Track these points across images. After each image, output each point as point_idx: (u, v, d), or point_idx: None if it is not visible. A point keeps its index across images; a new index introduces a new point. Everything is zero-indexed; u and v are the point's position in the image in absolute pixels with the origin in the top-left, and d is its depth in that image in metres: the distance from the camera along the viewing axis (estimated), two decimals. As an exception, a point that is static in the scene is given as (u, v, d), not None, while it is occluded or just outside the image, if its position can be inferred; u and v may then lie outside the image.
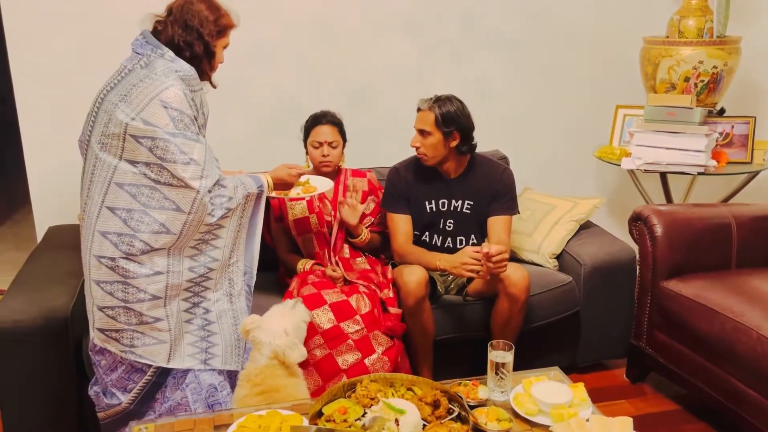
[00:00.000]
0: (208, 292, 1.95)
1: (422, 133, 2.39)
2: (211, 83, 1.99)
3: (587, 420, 1.68)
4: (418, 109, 2.42)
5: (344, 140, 2.51)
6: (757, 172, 2.91)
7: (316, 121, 2.47)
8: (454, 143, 2.39)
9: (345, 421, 1.65)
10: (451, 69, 3.14)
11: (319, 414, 1.69)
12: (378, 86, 3.06)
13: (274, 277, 2.59)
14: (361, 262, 2.52)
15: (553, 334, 2.60)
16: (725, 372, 2.19)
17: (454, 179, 2.48)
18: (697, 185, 3.30)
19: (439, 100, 2.38)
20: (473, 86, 3.15)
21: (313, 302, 2.18)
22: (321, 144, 2.44)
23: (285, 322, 1.89)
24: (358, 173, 2.62)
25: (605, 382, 2.67)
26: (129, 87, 1.79)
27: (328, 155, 2.44)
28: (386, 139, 3.03)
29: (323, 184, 2.25)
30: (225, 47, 1.96)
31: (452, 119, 2.36)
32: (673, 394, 2.55)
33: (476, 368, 2.48)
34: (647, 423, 2.38)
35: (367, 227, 2.54)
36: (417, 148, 2.42)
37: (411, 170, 2.50)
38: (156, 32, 1.87)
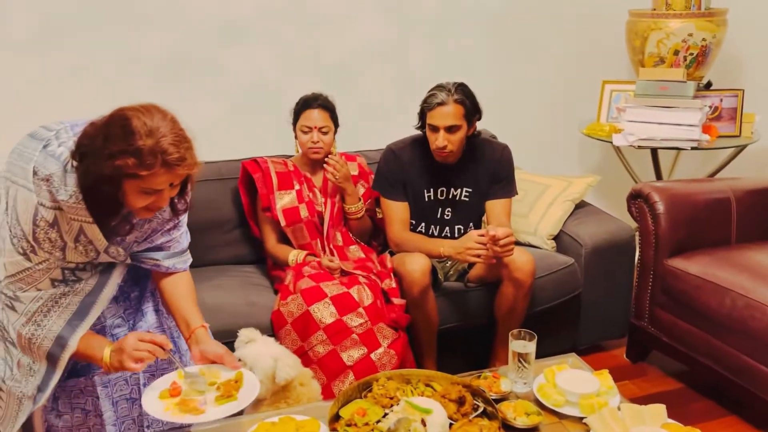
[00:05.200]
0: None
1: (451, 129, 2.20)
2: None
3: (618, 408, 1.60)
4: (438, 104, 2.19)
5: (336, 125, 2.35)
6: (745, 145, 2.89)
7: (306, 104, 2.31)
8: (470, 131, 2.27)
9: (366, 424, 1.53)
10: (432, 46, 3.02)
11: (337, 417, 1.57)
12: (356, 65, 2.91)
13: (263, 269, 2.44)
14: (355, 251, 2.39)
15: (554, 318, 2.53)
16: (734, 348, 2.16)
17: (454, 165, 2.34)
18: (681, 161, 3.28)
19: (460, 89, 2.22)
20: (455, 64, 3.04)
21: (312, 296, 2.04)
22: (311, 129, 2.29)
23: (268, 350, 1.75)
24: (348, 158, 2.48)
25: (606, 363, 2.61)
26: None
27: (318, 142, 2.29)
28: (366, 121, 2.89)
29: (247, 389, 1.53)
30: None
31: (476, 107, 2.24)
32: (675, 373, 2.52)
33: (478, 357, 2.41)
34: (653, 403, 2.34)
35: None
36: (443, 149, 2.23)
37: (408, 153, 2.36)
38: None
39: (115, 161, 1.32)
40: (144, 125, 1.33)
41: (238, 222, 2.51)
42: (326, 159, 2.28)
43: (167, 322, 1.72)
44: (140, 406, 1.58)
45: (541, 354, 1.83)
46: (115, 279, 1.60)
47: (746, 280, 2.12)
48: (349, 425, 1.52)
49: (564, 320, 2.57)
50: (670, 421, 1.57)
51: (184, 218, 1.68)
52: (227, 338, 1.78)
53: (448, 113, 2.19)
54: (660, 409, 1.60)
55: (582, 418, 1.59)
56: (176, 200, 1.56)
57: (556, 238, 2.65)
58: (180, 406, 1.47)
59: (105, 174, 1.33)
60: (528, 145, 3.22)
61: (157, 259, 1.64)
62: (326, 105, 2.34)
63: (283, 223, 2.29)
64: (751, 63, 3.17)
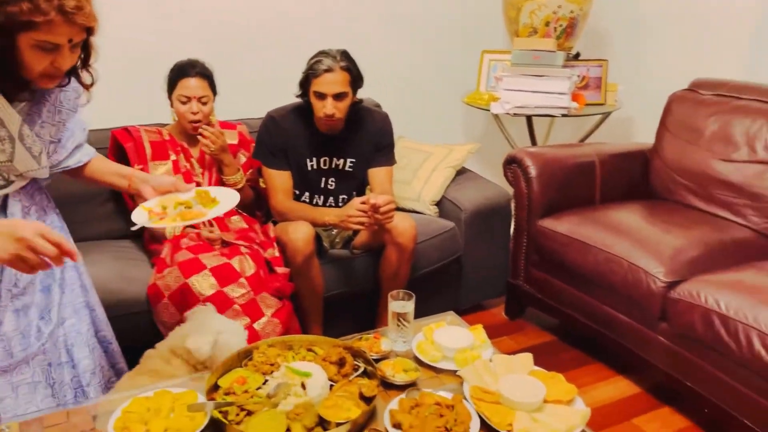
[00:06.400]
0: None
1: (339, 96, 2.18)
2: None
3: (491, 360, 1.69)
4: (325, 71, 2.16)
5: (215, 94, 2.28)
6: (609, 113, 3.10)
7: (182, 72, 2.21)
8: (353, 100, 2.26)
9: (246, 392, 1.52)
10: (313, 14, 2.98)
11: (216, 387, 1.54)
12: (238, 30, 2.82)
13: (140, 244, 2.34)
14: (237, 221, 2.35)
15: (437, 280, 2.62)
16: (598, 300, 2.33)
17: (338, 135, 2.33)
18: (555, 127, 3.46)
19: (345, 56, 2.20)
20: (341, 34, 3.02)
21: (190, 268, 1.99)
22: (189, 99, 2.20)
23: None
24: (227, 125, 2.41)
25: (486, 321, 2.75)
26: None
27: (198, 113, 2.21)
28: (248, 87, 2.82)
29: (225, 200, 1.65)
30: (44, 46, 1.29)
31: (360, 74, 2.23)
32: (549, 327, 2.70)
33: (366, 322, 2.45)
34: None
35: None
36: (331, 116, 2.20)
37: (290, 121, 2.32)
38: None
39: (7, 7, 1.22)
40: None
41: (111, 194, 2.38)
42: (200, 130, 2.20)
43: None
44: None
45: (425, 315, 1.91)
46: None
47: (607, 237, 2.29)
48: (227, 394, 1.51)
49: (446, 282, 2.67)
50: (537, 368, 1.67)
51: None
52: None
53: (336, 80, 2.18)
54: (528, 358, 1.70)
55: (457, 371, 1.66)
56: (80, 69, 1.46)
57: (438, 203, 2.74)
58: (182, 216, 1.55)
59: None
60: (412, 114, 3.28)
61: (67, 165, 1.60)
62: (204, 72, 2.26)
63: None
64: (615, 35, 3.38)
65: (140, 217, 1.57)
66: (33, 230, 1.27)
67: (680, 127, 2.63)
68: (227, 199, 1.62)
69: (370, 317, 2.45)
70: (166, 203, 1.60)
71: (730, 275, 2.01)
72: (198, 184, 2.27)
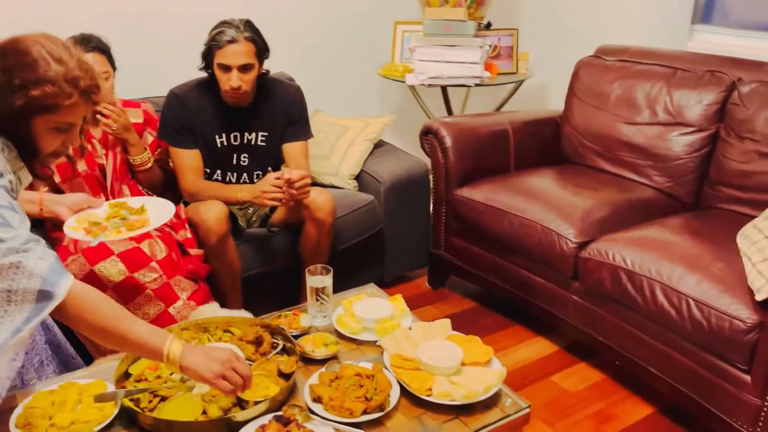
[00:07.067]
0: None
1: (245, 68, 2.10)
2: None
3: (410, 329, 1.70)
4: (228, 42, 2.06)
5: (114, 69, 2.16)
6: (522, 81, 3.15)
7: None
8: (260, 71, 2.19)
9: (159, 377, 1.47)
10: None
11: (127, 375, 1.49)
12: (141, 2, 2.68)
13: (41, 232, 2.19)
14: (147, 204, 2.25)
15: (359, 254, 2.61)
16: (515, 264, 2.39)
17: (247, 108, 2.25)
18: (471, 97, 3.50)
19: (249, 26, 2.12)
20: (252, 7, 2.91)
21: (96, 255, 1.89)
22: None
23: None
24: (130, 104, 2.29)
25: (410, 292, 2.78)
26: None
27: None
28: (152, 63, 2.68)
29: (161, 211, 1.81)
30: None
31: (266, 44, 2.15)
32: (471, 293, 2.75)
33: (289, 299, 2.42)
34: (452, 322, 2.52)
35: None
36: (237, 89, 2.12)
37: (195, 97, 2.23)
38: None
39: (29, 91, 1.18)
40: (50, 51, 1.22)
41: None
42: (99, 108, 2.08)
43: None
44: None
45: (349, 289, 1.93)
46: None
47: (521, 203, 2.34)
48: (139, 381, 1.45)
49: (369, 255, 2.67)
50: (454, 332, 1.71)
51: None
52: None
53: (241, 51, 2.10)
54: (445, 323, 1.73)
55: (377, 341, 1.67)
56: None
57: (357, 177, 2.72)
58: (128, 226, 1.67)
59: (15, 109, 1.18)
60: (327, 88, 3.23)
61: None
62: (101, 47, 2.13)
63: (57, 179, 2.07)
64: (525, 4, 3.43)
65: (79, 234, 1.63)
66: (230, 353, 1.31)
67: (587, 92, 2.71)
68: (152, 206, 1.80)
69: (295, 294, 2.42)
70: (88, 219, 1.70)
71: (635, 233, 2.10)
72: (102, 166, 2.15)
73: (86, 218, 1.71)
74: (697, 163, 2.38)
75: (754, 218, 1.96)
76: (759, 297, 1.65)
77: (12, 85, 1.19)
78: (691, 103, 2.39)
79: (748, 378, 1.71)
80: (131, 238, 1.98)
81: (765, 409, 1.68)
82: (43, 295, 1.18)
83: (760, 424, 1.69)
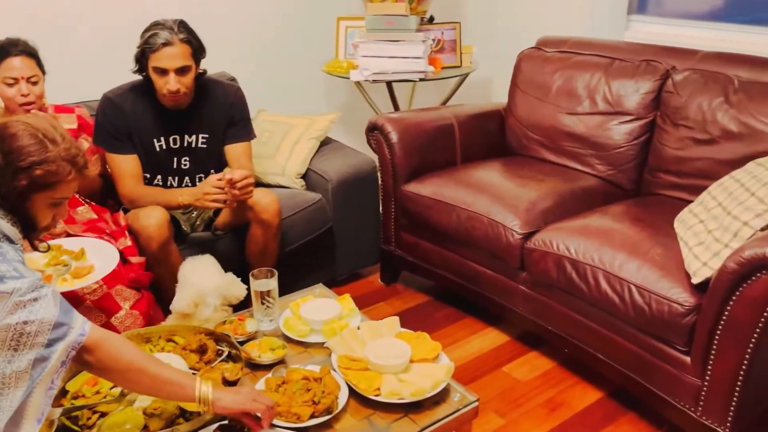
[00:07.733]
0: None
1: (182, 70, 2.05)
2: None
3: (358, 328, 1.69)
4: (163, 45, 2.00)
5: (43, 73, 2.08)
6: (466, 74, 3.17)
7: (4, 51, 2.00)
8: (196, 72, 2.14)
9: (98, 392, 1.42)
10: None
11: (64, 393, 1.43)
12: (71, 2, 2.58)
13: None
14: (84, 212, 2.17)
15: (310, 254, 2.59)
16: (464, 257, 2.41)
17: (185, 111, 2.19)
18: (418, 92, 3.50)
19: (183, 26, 2.06)
20: (192, 8, 2.85)
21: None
22: (16, 80, 2.00)
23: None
24: (63, 109, 2.21)
25: (363, 289, 2.77)
26: None
27: (29, 94, 2.01)
28: (85, 67, 2.60)
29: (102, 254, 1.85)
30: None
31: (201, 44, 2.10)
32: (424, 288, 2.76)
33: (239, 304, 2.37)
34: (405, 318, 2.50)
35: None
36: (176, 92, 2.06)
37: (130, 101, 2.16)
38: None
39: (33, 172, 1.25)
40: (45, 133, 1.29)
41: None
42: (31, 114, 2.00)
43: None
44: None
45: (301, 290, 1.92)
46: None
47: (468, 196, 2.36)
48: (76, 398, 1.40)
49: (320, 255, 2.65)
50: (403, 330, 1.70)
51: None
52: None
53: (176, 54, 2.04)
54: (394, 321, 1.72)
55: (324, 343, 1.65)
56: None
57: (304, 176, 2.69)
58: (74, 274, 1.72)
59: (19, 190, 1.26)
60: (271, 86, 3.19)
61: None
62: (29, 51, 2.06)
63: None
64: (466, -2, 3.45)
65: None
66: (256, 393, 1.37)
67: (529, 84, 2.74)
68: (90, 248, 1.84)
69: (244, 299, 2.38)
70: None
71: (578, 221, 2.13)
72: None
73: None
74: (636, 150, 2.44)
75: (690, 203, 2.02)
76: (695, 280, 1.70)
77: (13, 167, 1.25)
78: (629, 92, 2.44)
79: (688, 359, 1.76)
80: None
81: (705, 388, 1.73)
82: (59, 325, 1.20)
83: (701, 403, 1.74)
